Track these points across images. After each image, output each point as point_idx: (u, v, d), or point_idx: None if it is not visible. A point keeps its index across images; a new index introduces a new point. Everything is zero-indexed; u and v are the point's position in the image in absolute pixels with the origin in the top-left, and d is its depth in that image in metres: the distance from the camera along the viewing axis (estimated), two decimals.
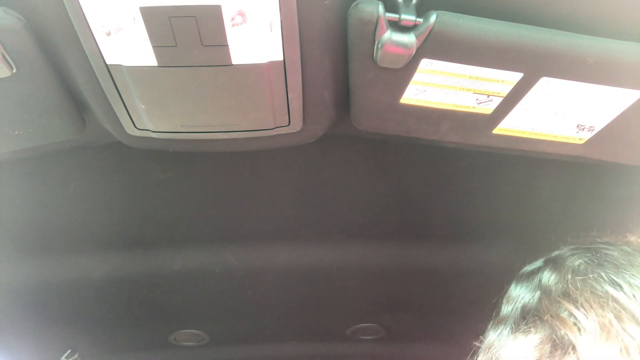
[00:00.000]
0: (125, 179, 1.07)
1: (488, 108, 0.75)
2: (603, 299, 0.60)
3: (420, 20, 0.62)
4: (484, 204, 1.16)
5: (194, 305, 1.51)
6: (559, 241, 0.76)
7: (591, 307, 0.60)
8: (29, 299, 1.36)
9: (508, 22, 0.64)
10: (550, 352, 0.59)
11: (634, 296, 0.60)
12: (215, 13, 0.60)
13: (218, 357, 1.80)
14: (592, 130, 0.80)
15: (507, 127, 0.80)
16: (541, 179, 1.08)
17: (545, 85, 0.71)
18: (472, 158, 1.00)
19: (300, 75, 0.70)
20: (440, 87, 0.72)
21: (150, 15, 0.60)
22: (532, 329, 0.62)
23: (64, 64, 0.69)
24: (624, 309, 0.59)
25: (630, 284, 0.62)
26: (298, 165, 1.05)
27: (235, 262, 1.32)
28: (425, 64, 0.68)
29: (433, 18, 0.62)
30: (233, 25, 0.61)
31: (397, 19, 0.62)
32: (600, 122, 0.78)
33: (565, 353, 0.58)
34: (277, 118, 0.77)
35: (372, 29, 0.63)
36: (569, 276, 0.66)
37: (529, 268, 0.74)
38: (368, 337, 1.72)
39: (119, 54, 0.65)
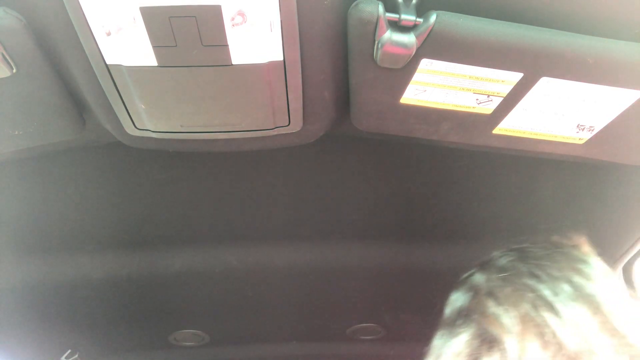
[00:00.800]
0: (125, 179, 1.07)
1: (488, 108, 0.75)
2: (521, 292, 0.67)
3: (420, 20, 0.62)
4: (484, 204, 1.16)
5: (194, 305, 1.51)
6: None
7: (508, 302, 0.66)
8: (28, 299, 1.36)
9: (508, 22, 0.64)
10: (479, 346, 0.65)
11: (551, 285, 0.67)
12: (215, 13, 0.60)
13: (218, 357, 1.80)
14: (592, 130, 0.80)
15: (507, 127, 0.80)
16: (541, 179, 1.08)
17: (545, 85, 0.71)
18: (472, 158, 1.00)
19: (300, 75, 0.70)
20: (440, 87, 0.72)
21: (150, 15, 0.60)
22: (464, 328, 0.69)
23: (64, 64, 0.69)
24: (541, 298, 0.66)
25: (548, 275, 0.69)
26: (298, 165, 1.05)
27: (235, 262, 1.32)
28: (425, 64, 0.68)
29: (433, 18, 0.62)
30: (233, 25, 0.61)
31: (397, 19, 0.62)
32: (600, 122, 0.78)
33: (490, 347, 0.63)
34: (277, 118, 0.77)
35: (372, 29, 0.63)
36: (494, 275, 0.73)
37: (467, 274, 0.80)
38: (368, 337, 1.72)
39: (119, 54, 0.65)
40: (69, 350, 1.60)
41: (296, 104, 0.75)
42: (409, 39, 0.63)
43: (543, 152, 0.86)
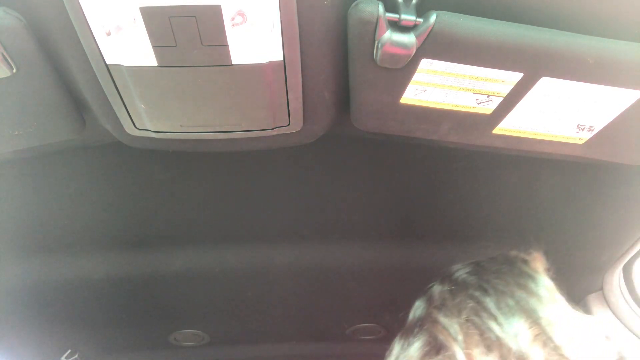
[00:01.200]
0: (125, 179, 1.07)
1: (488, 108, 0.75)
2: (468, 303, 0.75)
3: (420, 20, 0.62)
4: (484, 204, 1.16)
5: (194, 305, 1.51)
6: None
7: (453, 312, 0.75)
8: (29, 299, 1.36)
9: (508, 22, 0.64)
10: (429, 352, 0.73)
11: (496, 298, 0.75)
12: (215, 13, 0.60)
13: (218, 357, 1.80)
14: (592, 130, 0.80)
15: (507, 127, 0.80)
16: (541, 179, 1.08)
17: (545, 85, 0.71)
18: (472, 158, 1.00)
19: (300, 75, 0.70)
20: (440, 87, 0.72)
21: (150, 15, 0.60)
22: (418, 336, 0.77)
23: (64, 64, 0.69)
24: (485, 309, 0.74)
25: (495, 289, 0.77)
26: (298, 165, 1.05)
27: (235, 262, 1.32)
28: (425, 64, 0.68)
29: (433, 18, 0.62)
30: (233, 25, 0.61)
31: (397, 19, 0.62)
32: (600, 122, 0.78)
33: (438, 352, 0.71)
34: (277, 118, 0.77)
35: (372, 29, 0.63)
36: (446, 287, 0.81)
37: (430, 285, 0.87)
38: (368, 337, 1.72)
39: (119, 54, 0.65)
40: (69, 350, 1.60)
41: (296, 104, 0.75)
42: (409, 39, 0.63)
43: (543, 152, 0.86)
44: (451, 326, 0.73)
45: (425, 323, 0.77)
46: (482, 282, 0.79)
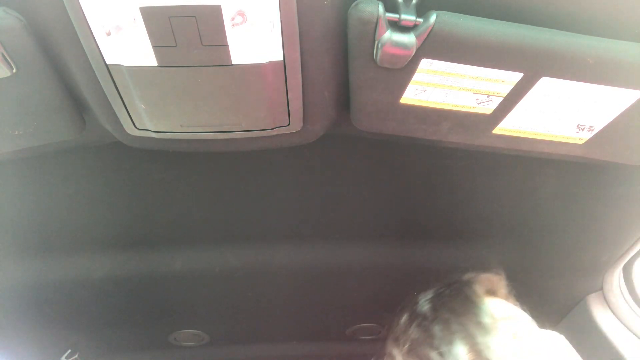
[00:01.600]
0: (125, 179, 1.07)
1: (488, 108, 0.75)
2: (412, 334, 0.83)
3: (420, 20, 0.63)
4: (484, 204, 1.16)
5: (194, 305, 1.51)
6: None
7: (401, 343, 0.83)
8: (29, 299, 1.36)
9: (508, 22, 0.64)
10: None
11: (442, 326, 0.81)
12: (215, 13, 0.60)
13: (218, 357, 1.80)
14: (592, 130, 0.80)
15: (507, 127, 0.80)
16: (541, 179, 1.08)
17: (545, 85, 0.71)
18: (472, 158, 1.00)
19: (300, 75, 0.70)
20: (440, 87, 0.72)
21: (150, 15, 0.60)
22: None
23: (64, 64, 0.69)
24: (429, 336, 0.81)
25: (441, 316, 0.83)
26: (298, 165, 1.05)
27: (235, 262, 1.32)
28: (425, 64, 0.68)
29: (433, 18, 0.62)
30: (233, 25, 0.61)
31: (397, 19, 0.62)
32: (600, 122, 0.78)
33: None
34: (277, 118, 0.77)
35: (372, 29, 0.63)
36: (405, 319, 0.88)
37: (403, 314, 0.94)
38: (368, 337, 1.72)
39: (119, 54, 0.65)
40: (69, 350, 1.60)
41: (296, 104, 0.75)
42: (409, 39, 0.63)
43: (543, 152, 0.86)
44: (399, 357, 0.82)
45: (386, 355, 0.87)
46: (433, 310, 0.86)
